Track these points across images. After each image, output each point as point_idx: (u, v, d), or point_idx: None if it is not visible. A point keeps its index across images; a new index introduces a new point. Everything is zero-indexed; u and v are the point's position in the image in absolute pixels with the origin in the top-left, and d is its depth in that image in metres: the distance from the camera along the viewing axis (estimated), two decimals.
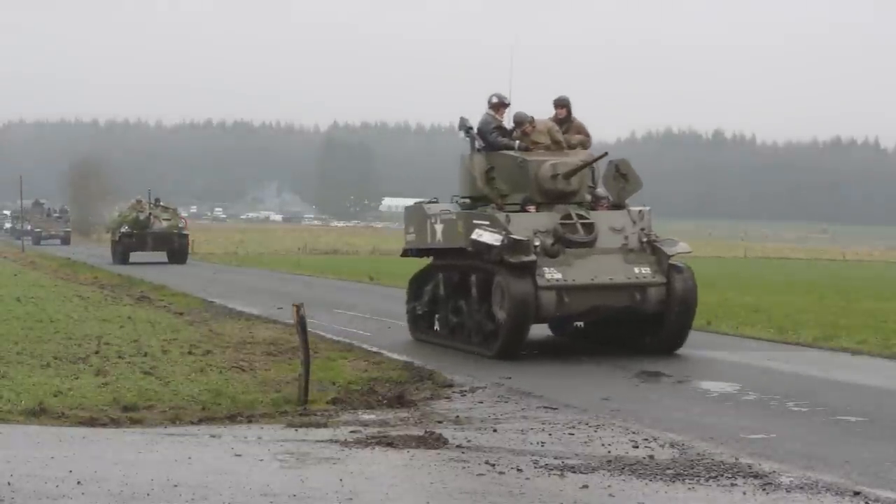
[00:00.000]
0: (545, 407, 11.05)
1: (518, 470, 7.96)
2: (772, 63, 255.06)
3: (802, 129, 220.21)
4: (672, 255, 14.96)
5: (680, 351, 15.34)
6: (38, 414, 9.96)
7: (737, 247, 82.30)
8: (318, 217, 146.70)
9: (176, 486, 7.18)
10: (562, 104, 16.31)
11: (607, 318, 15.31)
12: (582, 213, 15.10)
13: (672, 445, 9.01)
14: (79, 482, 7.17)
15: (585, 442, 9.20)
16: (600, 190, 15.90)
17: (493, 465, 8.06)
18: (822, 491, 7.45)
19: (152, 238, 43.14)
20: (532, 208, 15.20)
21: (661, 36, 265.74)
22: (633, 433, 9.55)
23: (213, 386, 11.67)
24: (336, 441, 9.01)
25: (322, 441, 9.02)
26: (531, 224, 14.77)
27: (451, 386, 12.41)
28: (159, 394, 11.16)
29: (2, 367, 12.32)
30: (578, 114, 16.56)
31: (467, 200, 16.15)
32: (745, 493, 7.38)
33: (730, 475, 7.89)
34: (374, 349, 15.51)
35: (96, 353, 13.87)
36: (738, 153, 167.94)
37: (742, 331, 18.79)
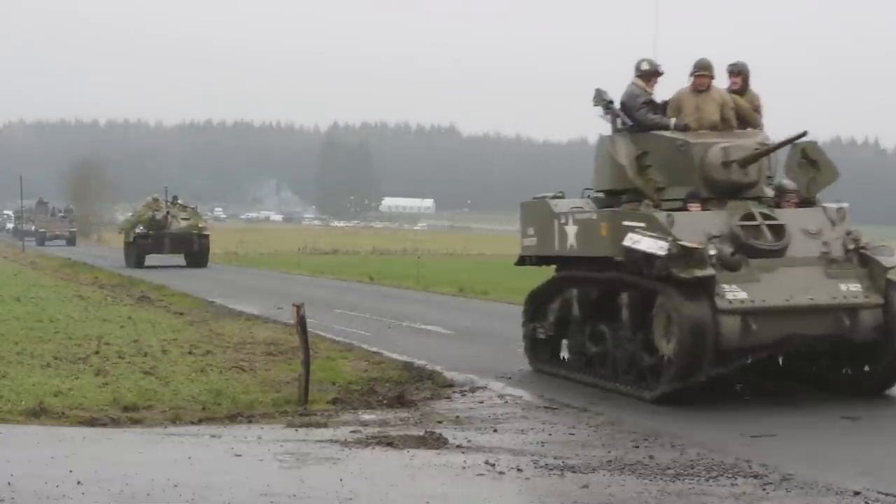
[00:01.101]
0: (545, 407, 11.07)
1: (518, 470, 7.96)
2: (772, 63, 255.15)
3: (802, 129, 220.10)
4: (891, 268, 11.60)
5: None
6: (38, 414, 9.97)
7: None
8: (318, 217, 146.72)
9: (176, 486, 7.18)
10: (738, 71, 12.83)
11: (801, 350, 11.67)
12: (765, 211, 11.76)
13: (672, 445, 9.01)
14: (79, 482, 7.18)
15: (585, 442, 9.21)
16: (786, 181, 12.51)
17: (493, 465, 8.07)
18: (823, 491, 7.45)
19: (170, 239, 39.41)
20: (696, 206, 11.83)
21: (659, 36, 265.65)
22: (634, 433, 9.55)
23: (213, 386, 11.68)
24: (336, 441, 9.02)
25: (322, 441, 9.03)
26: (702, 226, 11.39)
27: (451, 386, 12.42)
28: (159, 394, 11.17)
29: (2, 367, 12.33)
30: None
31: (601, 195, 12.99)
32: (745, 493, 7.39)
33: (730, 475, 7.89)
34: (374, 349, 15.50)
35: (96, 353, 13.88)
36: None
37: None
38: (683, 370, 10.85)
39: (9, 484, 7.06)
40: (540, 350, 13.99)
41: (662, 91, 12.90)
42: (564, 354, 13.68)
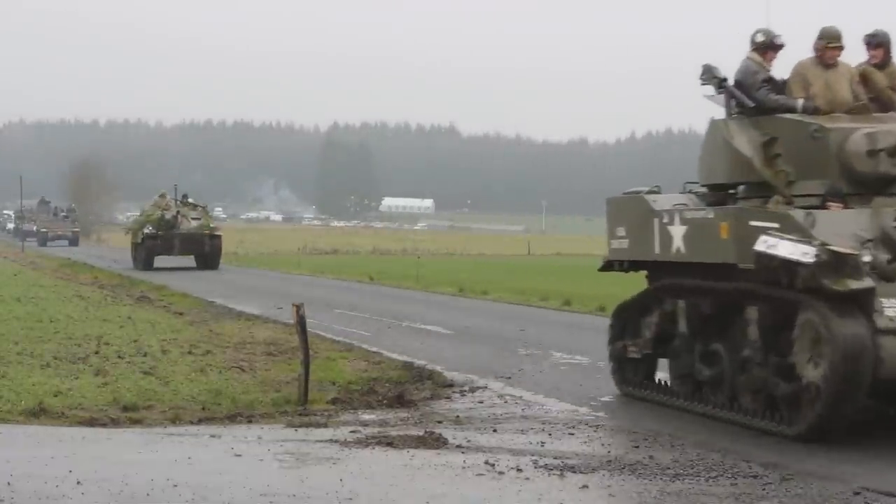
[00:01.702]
0: (545, 407, 11.07)
1: (518, 470, 7.96)
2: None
3: None
4: None
5: None
6: (38, 414, 9.98)
7: None
8: (318, 217, 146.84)
9: (176, 486, 7.19)
10: (879, 43, 10.82)
11: None
12: None
13: (672, 445, 9.02)
14: (79, 482, 7.18)
15: (585, 442, 9.21)
16: None
17: (493, 465, 8.07)
18: (822, 491, 7.46)
19: (180, 240, 37.65)
20: (838, 204, 9.82)
21: (660, 35, 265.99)
22: (634, 433, 9.56)
23: (213, 386, 11.68)
24: (336, 441, 9.03)
25: (322, 441, 9.04)
26: (848, 228, 9.44)
27: (451, 386, 12.42)
28: (159, 394, 11.17)
29: (2, 367, 12.33)
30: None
31: (704, 189, 11.27)
32: (745, 493, 7.39)
33: (730, 475, 7.90)
34: (374, 349, 15.51)
35: (96, 353, 13.88)
36: None
37: None
38: (834, 400, 9.02)
39: (9, 484, 7.07)
40: (630, 372, 11.92)
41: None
42: (663, 377, 11.62)
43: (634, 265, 11.92)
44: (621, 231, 11.78)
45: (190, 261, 39.03)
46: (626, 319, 12.12)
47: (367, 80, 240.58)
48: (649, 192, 11.42)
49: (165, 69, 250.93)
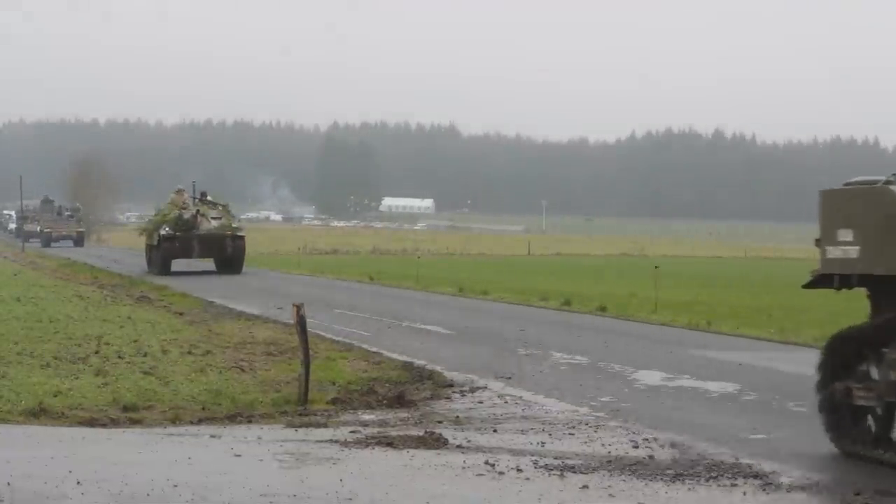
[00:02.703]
0: (545, 407, 11.07)
1: (518, 470, 7.96)
2: (772, 63, 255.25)
3: (802, 129, 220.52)
4: None
5: (676, 352, 15.31)
6: (38, 414, 9.98)
7: (737, 247, 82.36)
8: (318, 217, 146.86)
9: (176, 486, 7.19)
10: None
11: None
12: None
13: (672, 445, 9.02)
14: (79, 482, 7.18)
15: (585, 442, 9.21)
16: None
17: (493, 465, 8.07)
18: (823, 491, 7.46)
19: (199, 242, 34.50)
20: None
21: (661, 35, 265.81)
22: (633, 433, 9.56)
23: (213, 386, 11.68)
24: (336, 441, 9.03)
25: (322, 441, 9.04)
26: None
27: (451, 386, 12.42)
28: (159, 394, 11.17)
29: (2, 367, 12.33)
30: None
31: None
32: (745, 494, 7.39)
33: (730, 475, 7.90)
34: (374, 349, 15.50)
35: (96, 353, 13.88)
36: (738, 153, 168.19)
37: (742, 331, 18.79)
38: None
39: (9, 484, 7.07)
40: (851, 425, 8.83)
41: None
42: None
43: (865, 280, 8.84)
44: (846, 235, 8.85)
45: (209, 264, 36.54)
46: (850, 355, 9.01)
47: (367, 81, 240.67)
48: (887, 183, 8.56)
49: (165, 69, 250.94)
